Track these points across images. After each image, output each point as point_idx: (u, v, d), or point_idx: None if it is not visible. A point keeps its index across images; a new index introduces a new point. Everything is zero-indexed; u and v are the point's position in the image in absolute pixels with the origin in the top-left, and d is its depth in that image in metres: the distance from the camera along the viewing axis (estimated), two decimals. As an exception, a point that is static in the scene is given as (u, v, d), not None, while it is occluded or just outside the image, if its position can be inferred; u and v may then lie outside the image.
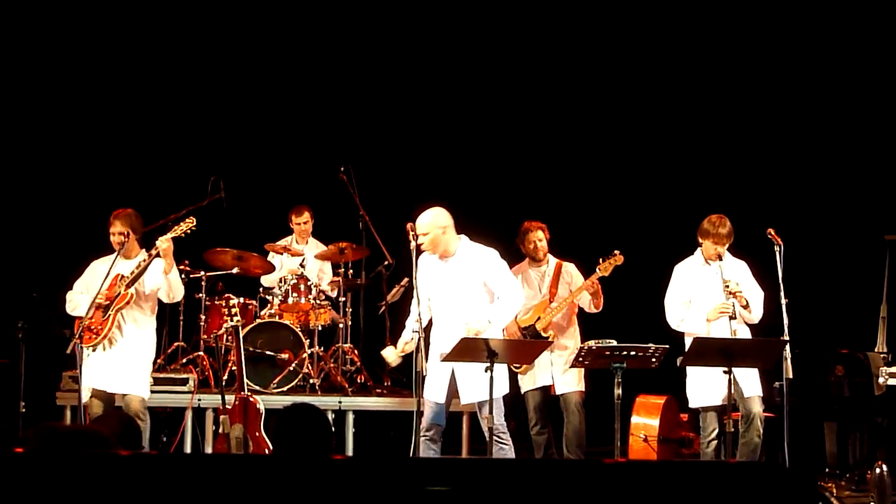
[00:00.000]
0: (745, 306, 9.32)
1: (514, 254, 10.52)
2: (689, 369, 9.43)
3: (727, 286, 9.27)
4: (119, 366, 9.39)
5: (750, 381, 9.31)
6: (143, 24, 13.31)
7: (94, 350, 9.33)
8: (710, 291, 9.42)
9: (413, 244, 8.83)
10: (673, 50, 13.38)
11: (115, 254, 9.36)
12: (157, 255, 9.31)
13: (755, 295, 9.47)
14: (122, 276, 9.37)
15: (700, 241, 9.51)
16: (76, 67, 13.28)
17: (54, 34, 13.18)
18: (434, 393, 8.83)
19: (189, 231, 9.50)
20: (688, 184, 13.09)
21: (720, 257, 9.38)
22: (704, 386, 9.31)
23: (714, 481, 3.65)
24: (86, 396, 9.31)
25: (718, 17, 13.24)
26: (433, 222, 8.86)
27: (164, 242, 9.26)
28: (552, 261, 10.45)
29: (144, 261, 9.33)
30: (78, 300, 9.42)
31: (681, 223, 10.33)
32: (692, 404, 9.56)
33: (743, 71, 13.29)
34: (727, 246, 9.45)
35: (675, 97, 13.38)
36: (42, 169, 13.19)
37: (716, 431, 9.31)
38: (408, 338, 8.93)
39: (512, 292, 8.91)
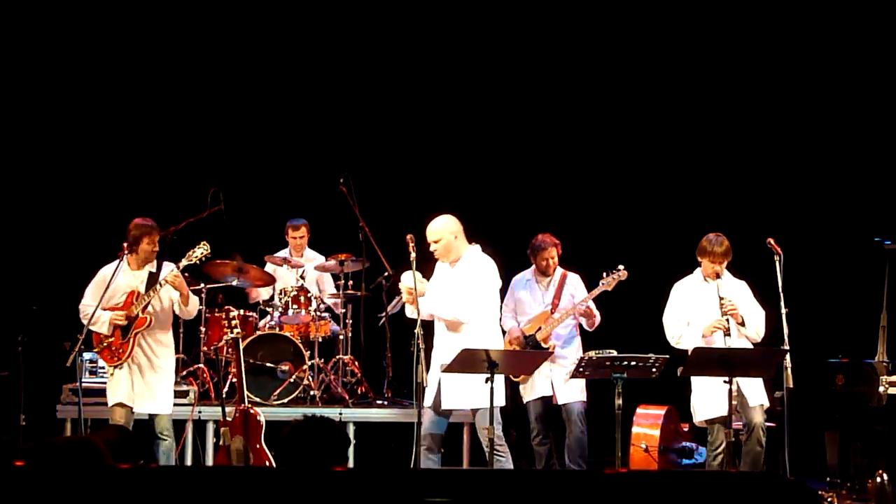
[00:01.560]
0: (741, 324, 9.33)
1: (519, 261, 10.55)
2: (694, 383, 9.42)
3: (723, 304, 9.29)
4: (145, 386, 9.50)
5: (753, 390, 9.31)
6: (144, 32, 13.31)
7: (117, 369, 9.43)
8: (707, 310, 9.43)
9: (413, 255, 8.83)
10: (674, 67, 13.39)
11: (120, 261, 9.39)
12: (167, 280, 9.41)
13: (755, 314, 9.49)
14: (139, 295, 9.44)
15: (699, 259, 9.54)
16: (77, 77, 13.27)
17: (57, 43, 13.18)
18: (427, 398, 8.85)
19: (203, 258, 9.59)
20: (689, 194, 13.08)
21: (718, 276, 9.40)
22: (710, 398, 9.30)
23: (715, 491, 3.65)
24: (112, 401, 9.44)
25: (717, 36, 13.25)
26: (444, 227, 8.93)
27: (174, 278, 9.41)
28: (558, 271, 10.45)
29: (160, 285, 9.43)
30: (95, 314, 9.38)
31: (682, 234, 10.34)
32: (699, 418, 9.52)
33: (741, 83, 13.29)
34: (725, 264, 9.47)
35: (677, 111, 13.38)
36: (42, 180, 13.18)
37: (724, 444, 9.27)
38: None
39: (463, 306, 8.82)
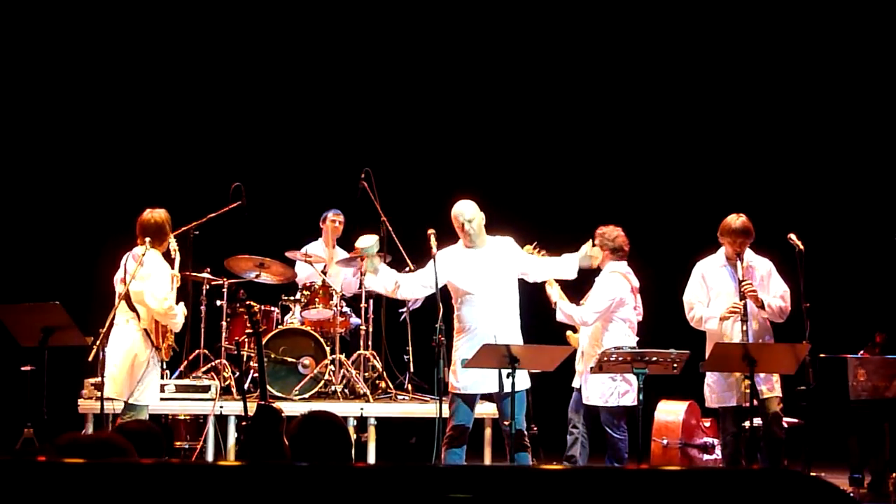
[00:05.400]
0: (761, 306, 9.28)
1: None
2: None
3: (742, 286, 9.26)
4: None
5: (768, 383, 9.27)
6: (168, 30, 13.37)
7: (156, 367, 9.25)
8: (727, 291, 9.40)
9: (434, 249, 8.85)
10: (702, 58, 13.38)
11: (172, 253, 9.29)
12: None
13: (778, 292, 9.42)
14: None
15: (720, 240, 9.50)
16: (99, 70, 13.33)
17: (80, 39, 13.24)
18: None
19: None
20: (712, 188, 13.08)
21: (739, 257, 9.35)
22: (722, 386, 9.30)
23: (736, 488, 3.64)
24: (154, 402, 9.26)
25: (747, 26, 13.24)
26: (476, 208, 9.05)
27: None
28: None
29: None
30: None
31: (703, 227, 10.32)
32: (708, 404, 9.53)
33: (768, 75, 13.29)
34: (747, 245, 9.41)
35: (707, 103, 13.38)
36: (66, 175, 13.24)
37: (733, 433, 9.27)
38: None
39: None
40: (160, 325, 9.05)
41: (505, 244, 9.16)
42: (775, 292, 9.42)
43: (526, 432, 8.93)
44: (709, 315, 9.46)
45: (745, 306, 9.21)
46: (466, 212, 9.00)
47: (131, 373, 8.93)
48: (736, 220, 9.39)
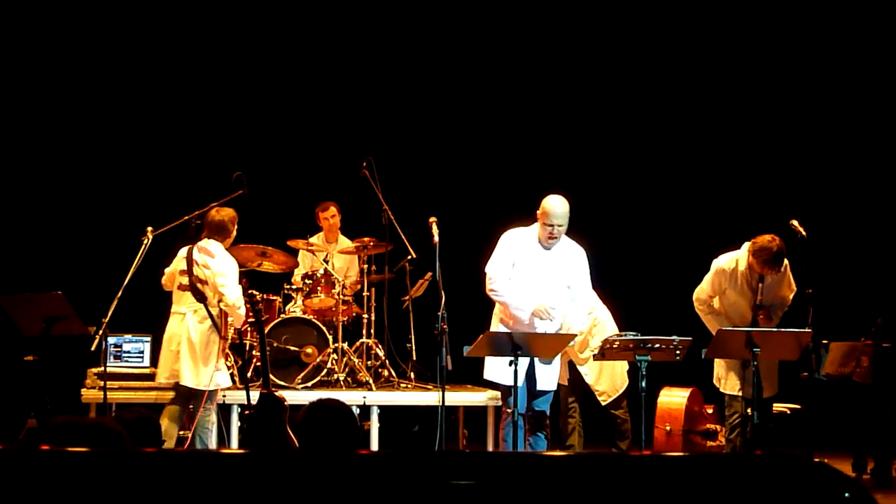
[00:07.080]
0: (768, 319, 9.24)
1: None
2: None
3: (758, 315, 9.19)
4: None
5: (769, 380, 9.24)
6: (173, 22, 13.35)
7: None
8: (739, 301, 9.29)
9: (436, 238, 8.82)
10: (708, 46, 13.37)
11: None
12: None
13: (785, 296, 9.38)
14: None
15: (749, 254, 9.31)
16: (105, 64, 13.32)
17: (83, 33, 13.24)
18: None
19: None
20: (715, 174, 13.06)
21: (762, 279, 9.21)
22: (731, 373, 9.29)
23: (739, 473, 3.64)
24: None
25: (748, 15, 13.23)
26: (568, 215, 8.84)
27: None
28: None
29: None
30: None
31: (707, 214, 10.32)
32: (724, 389, 9.46)
33: (775, 60, 13.28)
34: (771, 272, 9.23)
35: (707, 89, 13.36)
36: (68, 164, 13.23)
37: (739, 417, 9.23)
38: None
39: (587, 297, 9.15)
40: (224, 313, 9.46)
41: (574, 254, 9.03)
42: (783, 297, 9.36)
43: (547, 415, 8.94)
44: (716, 316, 9.37)
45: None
46: (559, 217, 8.76)
47: (207, 361, 9.37)
48: (771, 248, 9.09)
